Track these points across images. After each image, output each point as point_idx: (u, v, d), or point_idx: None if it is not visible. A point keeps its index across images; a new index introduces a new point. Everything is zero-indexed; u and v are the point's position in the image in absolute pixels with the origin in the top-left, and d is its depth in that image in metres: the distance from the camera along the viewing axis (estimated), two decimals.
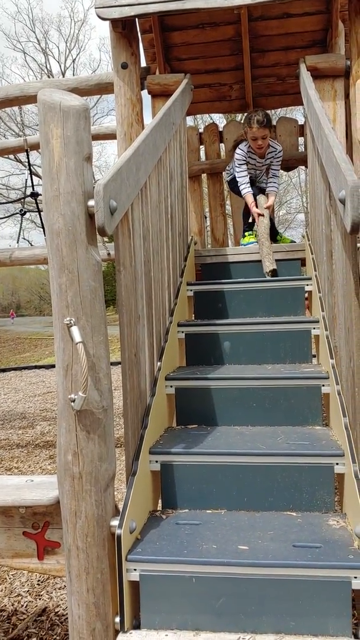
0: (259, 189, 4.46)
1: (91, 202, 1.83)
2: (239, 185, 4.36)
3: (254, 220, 4.51)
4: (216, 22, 4.83)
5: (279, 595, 1.89)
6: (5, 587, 3.03)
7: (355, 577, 1.87)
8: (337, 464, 2.30)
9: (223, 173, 4.76)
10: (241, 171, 4.34)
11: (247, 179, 4.34)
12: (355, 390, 2.13)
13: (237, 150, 4.38)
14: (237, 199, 5.31)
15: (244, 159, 4.35)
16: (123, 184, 2.04)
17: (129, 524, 1.98)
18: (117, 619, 1.93)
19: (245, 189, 4.33)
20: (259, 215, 4.21)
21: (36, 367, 13.23)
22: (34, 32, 35.77)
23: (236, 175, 4.38)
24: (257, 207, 4.27)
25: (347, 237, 2.08)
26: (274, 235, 4.46)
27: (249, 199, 4.32)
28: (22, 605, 2.84)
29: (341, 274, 2.28)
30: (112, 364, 1.99)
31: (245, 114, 4.44)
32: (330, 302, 2.70)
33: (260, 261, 4.01)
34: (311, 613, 1.87)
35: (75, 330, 1.80)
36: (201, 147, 5.54)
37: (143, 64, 5.09)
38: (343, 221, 1.97)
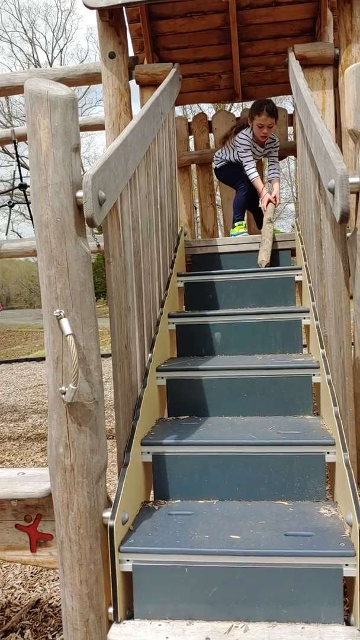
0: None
1: (80, 193, 1.82)
2: (246, 169, 4.33)
3: (244, 210, 4.50)
4: (204, 11, 4.80)
5: (271, 584, 1.90)
6: None
7: (347, 565, 1.88)
8: (328, 453, 2.31)
9: (213, 162, 4.72)
10: (247, 156, 4.33)
11: (253, 164, 4.34)
12: (345, 380, 2.14)
13: (241, 136, 4.35)
14: (227, 189, 5.30)
15: (249, 145, 4.33)
16: (112, 174, 2.03)
17: (121, 515, 1.99)
18: (111, 610, 1.94)
19: (254, 174, 4.32)
20: (270, 202, 4.20)
21: (27, 359, 13.19)
22: (21, 22, 35.57)
23: (242, 161, 4.35)
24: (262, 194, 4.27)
25: (337, 227, 2.08)
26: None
27: (259, 184, 4.31)
28: (16, 598, 2.84)
29: (331, 263, 2.28)
30: (103, 355, 1.98)
31: (254, 102, 4.42)
32: (320, 292, 2.70)
33: (250, 252, 4.02)
34: (303, 601, 1.89)
35: (65, 323, 1.80)
36: (190, 137, 5.52)
37: (131, 53, 5.06)
38: (333, 210, 1.97)
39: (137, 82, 4.07)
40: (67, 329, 1.79)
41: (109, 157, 2.02)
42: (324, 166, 2.15)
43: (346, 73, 1.90)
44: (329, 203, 2.10)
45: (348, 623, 1.88)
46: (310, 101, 2.78)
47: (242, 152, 4.35)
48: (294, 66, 3.58)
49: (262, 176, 4.82)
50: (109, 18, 3.90)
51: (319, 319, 2.83)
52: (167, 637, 1.84)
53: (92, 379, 1.88)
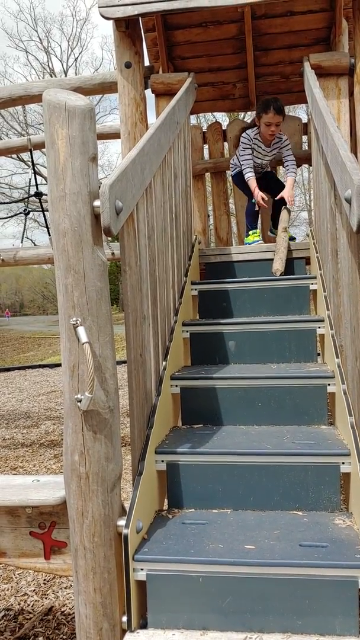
0: (265, 177, 4.45)
1: (97, 203, 1.83)
2: (242, 168, 4.33)
3: (257, 218, 4.50)
4: (219, 21, 4.83)
5: (285, 595, 1.89)
6: (12, 587, 3.03)
7: None
8: (343, 463, 2.29)
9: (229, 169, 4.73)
10: (245, 154, 4.32)
11: (250, 163, 4.31)
12: None
13: (243, 134, 4.35)
14: (242, 197, 5.30)
15: (249, 144, 4.32)
16: (128, 184, 2.04)
17: (135, 524, 1.98)
18: (124, 619, 1.93)
19: (249, 173, 4.29)
20: (284, 209, 4.21)
21: (40, 366, 13.25)
22: (36, 31, 35.87)
23: (239, 159, 4.36)
24: (262, 197, 4.25)
25: (353, 236, 2.08)
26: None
27: (252, 184, 4.27)
28: (29, 605, 2.85)
29: (347, 273, 2.28)
30: (117, 363, 1.99)
31: (261, 101, 4.40)
32: (336, 301, 2.70)
33: (264, 260, 4.02)
34: (318, 612, 1.87)
35: (81, 331, 1.81)
36: (205, 146, 5.54)
37: (147, 63, 5.10)
38: (349, 220, 1.97)
39: (153, 92, 4.10)
40: (84, 337, 1.80)
41: (126, 167, 2.03)
42: (340, 176, 2.15)
43: None
44: (345, 212, 2.10)
45: None
46: (326, 110, 2.78)
47: (241, 150, 4.35)
48: (310, 75, 3.59)
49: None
50: (125, 28, 3.93)
51: (334, 328, 2.82)
52: None
53: (107, 387, 1.88)
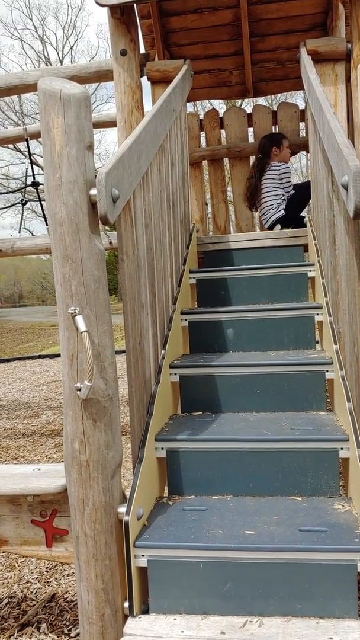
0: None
1: (93, 191, 1.83)
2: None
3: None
4: (215, 7, 4.80)
5: (285, 579, 1.90)
6: (15, 575, 3.06)
7: None
8: (341, 448, 2.31)
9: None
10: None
11: None
12: (359, 376, 2.13)
13: (287, 167, 4.70)
14: (239, 185, 5.30)
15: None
16: (125, 172, 2.04)
17: (136, 511, 2.00)
18: (126, 604, 1.95)
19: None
20: None
21: (40, 356, 13.26)
22: (31, 19, 35.62)
23: (287, 184, 4.65)
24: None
25: (350, 223, 2.08)
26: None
27: None
28: (32, 592, 2.87)
29: (344, 259, 2.28)
30: (117, 352, 1.99)
31: (276, 135, 4.86)
32: (334, 288, 2.70)
33: (262, 248, 4.02)
34: (317, 596, 1.89)
35: (79, 320, 1.81)
36: (202, 133, 5.51)
37: (142, 50, 5.06)
38: (346, 206, 1.97)
39: (149, 79, 4.08)
40: (82, 326, 1.80)
41: (122, 155, 2.03)
42: (337, 162, 2.15)
43: (359, 68, 1.89)
44: (342, 199, 2.10)
45: None
46: (323, 97, 2.77)
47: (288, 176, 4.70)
48: (306, 61, 3.57)
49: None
50: (120, 15, 3.90)
51: (332, 315, 2.83)
52: (182, 632, 1.85)
53: (106, 376, 1.89)
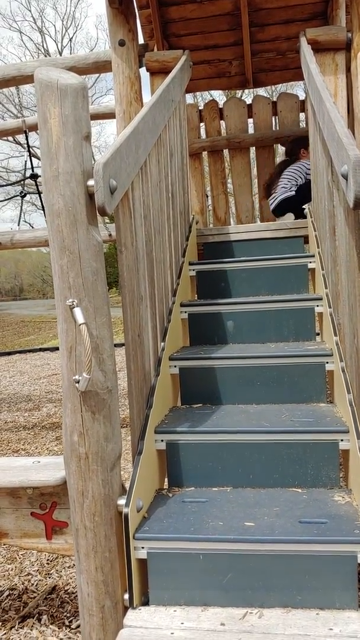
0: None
1: (91, 182, 1.81)
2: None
3: None
4: None
5: (285, 571, 1.90)
6: (16, 567, 3.07)
7: None
8: (342, 440, 2.30)
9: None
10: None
11: None
12: (359, 367, 2.13)
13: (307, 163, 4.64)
14: (239, 176, 5.28)
15: None
16: (123, 162, 2.02)
17: (135, 503, 2.00)
18: (126, 596, 1.95)
19: None
20: None
21: (40, 349, 13.28)
22: (30, 11, 35.43)
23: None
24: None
25: (350, 213, 2.06)
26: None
27: None
28: (33, 584, 2.88)
29: (344, 250, 2.27)
30: (116, 345, 1.98)
31: (297, 140, 4.81)
32: (334, 279, 2.69)
33: (262, 239, 4.00)
34: (317, 587, 1.89)
35: (78, 312, 1.80)
36: (201, 124, 5.48)
37: (141, 40, 5.02)
38: (346, 196, 1.95)
39: (148, 70, 4.04)
40: (80, 318, 1.79)
41: (120, 145, 2.01)
42: (337, 152, 2.13)
43: (359, 57, 1.87)
44: (342, 189, 2.08)
45: None
46: (323, 86, 2.75)
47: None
48: (306, 51, 3.54)
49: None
50: (119, 5, 3.86)
51: (332, 307, 2.82)
52: (182, 623, 1.85)
53: (105, 368, 1.88)
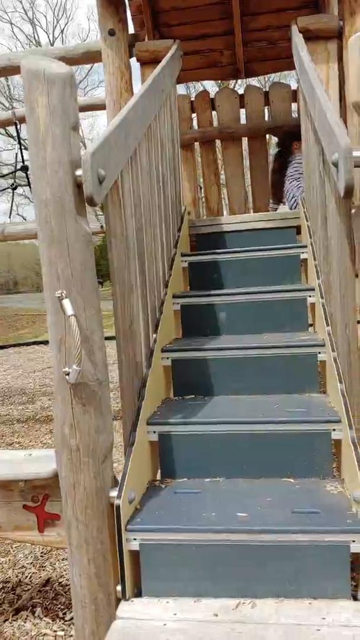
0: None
1: (79, 172, 1.79)
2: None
3: None
4: None
5: (278, 561, 1.90)
6: (9, 560, 3.06)
7: (354, 541, 1.88)
8: (334, 430, 2.30)
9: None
10: None
11: None
12: (351, 357, 2.12)
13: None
14: (231, 166, 5.25)
15: None
16: (112, 151, 2.00)
17: (127, 494, 1.99)
18: (119, 588, 1.95)
19: None
20: None
21: (34, 343, 13.23)
22: (21, 2, 34.99)
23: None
24: None
25: (341, 202, 2.05)
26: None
27: None
28: (26, 577, 2.88)
29: (336, 239, 2.26)
30: (108, 338, 1.97)
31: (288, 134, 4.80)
32: (326, 269, 2.68)
33: (255, 230, 3.99)
34: (310, 577, 1.89)
35: (67, 303, 1.78)
36: (193, 115, 5.45)
37: (131, 30, 4.98)
38: (337, 184, 1.94)
39: (138, 60, 4.00)
40: (69, 310, 1.78)
41: (108, 135, 1.99)
42: (328, 140, 2.11)
43: (350, 42, 1.86)
44: (334, 178, 2.07)
45: (355, 598, 1.88)
46: (314, 75, 2.73)
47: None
48: (297, 39, 3.51)
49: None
50: None
51: (324, 297, 2.81)
52: (175, 614, 1.85)
53: (95, 360, 1.87)
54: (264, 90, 5.25)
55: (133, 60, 4.14)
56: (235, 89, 5.94)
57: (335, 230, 2.26)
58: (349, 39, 1.85)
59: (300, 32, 3.71)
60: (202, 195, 5.63)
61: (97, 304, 1.88)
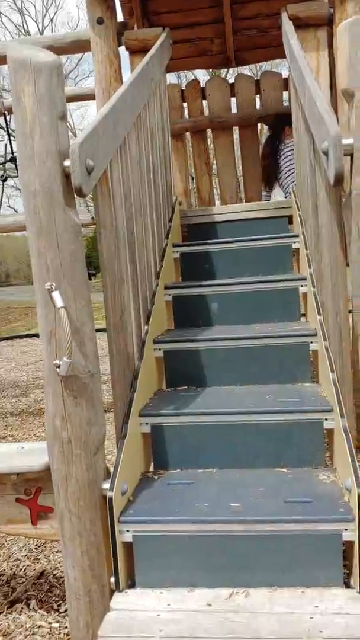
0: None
1: (67, 162, 1.78)
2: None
3: None
4: None
5: (271, 551, 1.91)
6: (4, 553, 3.06)
7: (346, 530, 1.89)
8: (326, 419, 2.30)
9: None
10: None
11: None
12: (342, 346, 2.12)
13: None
14: (223, 156, 5.22)
15: None
16: (100, 141, 1.98)
17: (120, 486, 1.99)
18: (113, 579, 1.95)
19: None
20: None
21: (27, 335, 13.17)
22: None
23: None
24: None
25: (332, 190, 2.04)
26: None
27: None
28: (21, 570, 2.88)
29: (327, 228, 2.25)
30: (99, 330, 1.96)
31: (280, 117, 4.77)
32: (317, 258, 2.67)
33: (247, 220, 3.98)
34: (303, 566, 1.90)
35: (56, 295, 1.77)
36: (184, 104, 5.41)
37: (120, 19, 4.93)
38: (327, 172, 1.93)
39: (127, 49, 3.96)
40: (59, 302, 1.76)
41: (97, 125, 1.97)
42: (318, 128, 2.10)
43: (339, 29, 1.84)
44: (324, 167, 2.06)
45: (348, 585, 1.89)
46: (304, 63, 2.70)
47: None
48: (287, 27, 3.48)
49: None
50: None
51: (316, 286, 2.80)
52: (168, 604, 1.86)
53: (86, 352, 1.86)
54: (255, 78, 5.21)
55: (122, 49, 4.10)
56: (227, 78, 5.88)
57: (326, 218, 2.25)
58: (339, 26, 1.83)
59: (290, 19, 3.67)
60: (194, 185, 5.60)
61: (88, 295, 1.87)
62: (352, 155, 1.88)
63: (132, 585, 1.98)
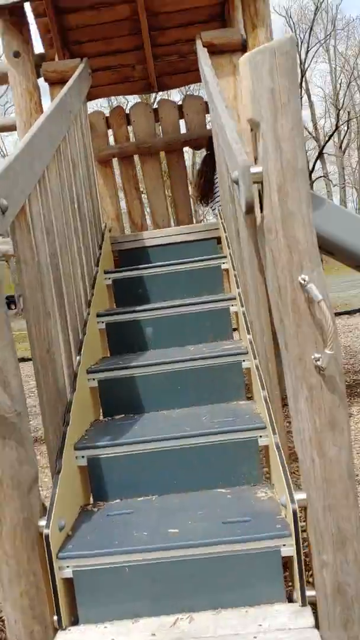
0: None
1: None
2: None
3: None
4: (110, 2, 4.75)
5: (212, 573, 1.92)
6: None
7: (284, 545, 1.92)
8: (260, 436, 2.34)
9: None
10: None
11: None
12: (268, 365, 2.17)
13: None
14: (152, 180, 5.28)
15: None
16: (15, 180, 1.98)
17: (57, 522, 1.97)
18: (55, 618, 1.92)
19: None
20: None
21: None
22: None
23: None
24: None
25: (248, 216, 2.10)
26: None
27: None
28: None
29: (247, 251, 2.31)
30: (26, 360, 1.94)
31: None
32: (242, 279, 2.73)
33: (178, 243, 4.04)
34: (246, 585, 1.91)
35: None
36: (109, 131, 5.45)
37: (42, 50, 4.96)
38: (239, 201, 1.99)
39: (46, 80, 3.98)
40: None
41: (9, 164, 1.96)
42: (229, 157, 2.16)
43: (240, 60, 1.88)
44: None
45: (290, 600, 1.92)
46: (216, 90, 2.78)
47: None
48: (201, 54, 3.58)
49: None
50: (10, 16, 3.79)
51: (244, 305, 2.86)
52: (113, 638, 1.84)
53: (11, 391, 1.84)
54: (178, 103, 5.31)
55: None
56: (152, 103, 5.96)
57: (245, 242, 2.31)
58: (240, 58, 1.89)
59: (204, 46, 3.79)
60: (126, 209, 5.63)
61: (9, 334, 1.83)
62: (261, 183, 1.94)
63: (75, 622, 1.96)
